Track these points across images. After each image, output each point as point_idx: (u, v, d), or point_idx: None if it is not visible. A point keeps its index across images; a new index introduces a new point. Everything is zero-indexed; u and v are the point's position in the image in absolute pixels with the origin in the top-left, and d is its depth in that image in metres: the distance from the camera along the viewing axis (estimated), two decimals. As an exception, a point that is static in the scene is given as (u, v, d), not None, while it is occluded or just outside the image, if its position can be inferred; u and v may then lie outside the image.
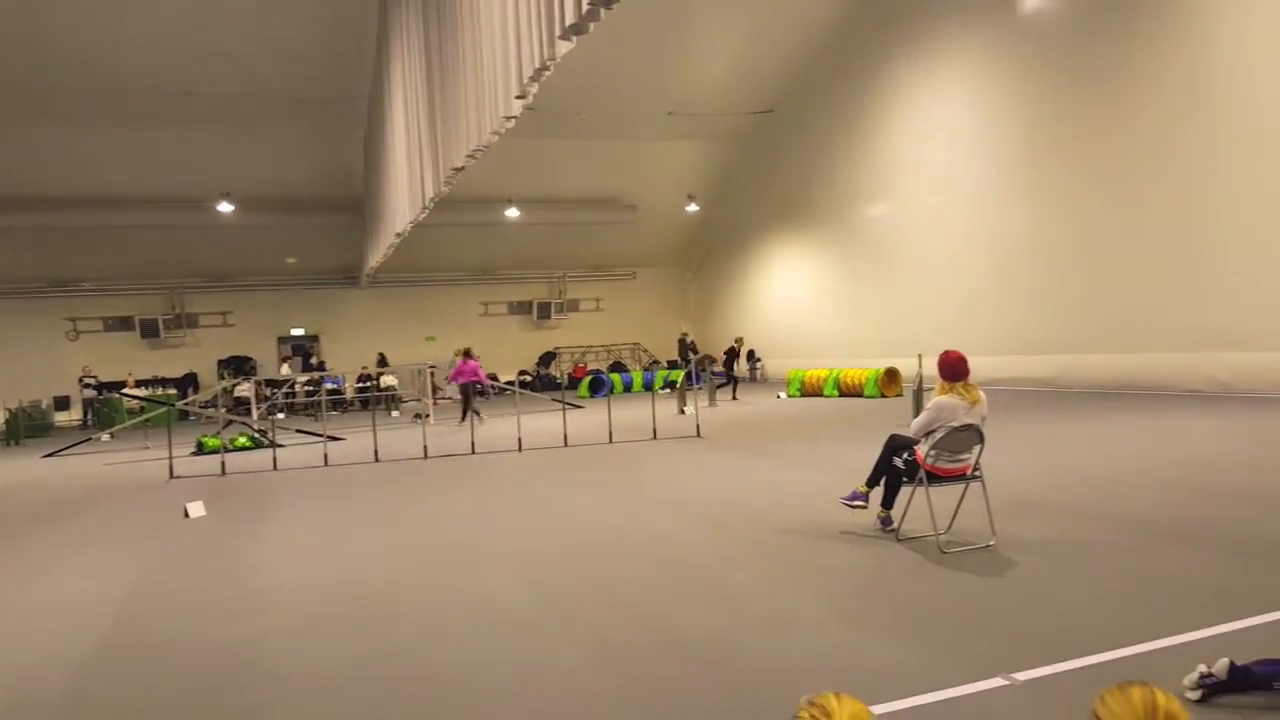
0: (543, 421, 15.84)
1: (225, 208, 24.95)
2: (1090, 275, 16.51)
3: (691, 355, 22.27)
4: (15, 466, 15.51)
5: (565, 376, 29.14)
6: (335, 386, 26.51)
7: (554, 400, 17.45)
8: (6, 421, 21.83)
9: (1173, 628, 4.06)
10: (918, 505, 6.09)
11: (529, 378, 29.71)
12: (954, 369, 6.06)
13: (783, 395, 21.19)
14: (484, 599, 5.44)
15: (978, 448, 6.00)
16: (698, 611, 4.93)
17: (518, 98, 9.45)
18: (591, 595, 5.39)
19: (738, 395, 21.28)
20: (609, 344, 32.69)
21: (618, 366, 31.37)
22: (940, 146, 20.15)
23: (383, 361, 26.90)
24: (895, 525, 6.31)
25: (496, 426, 15.64)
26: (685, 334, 31.22)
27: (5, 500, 11.30)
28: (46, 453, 17.00)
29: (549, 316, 31.95)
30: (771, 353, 27.67)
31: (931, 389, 6.37)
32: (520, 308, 31.98)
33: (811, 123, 24.48)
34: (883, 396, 18.84)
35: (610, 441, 13.15)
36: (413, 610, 5.28)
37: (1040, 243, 17.67)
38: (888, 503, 6.38)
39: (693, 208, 29.20)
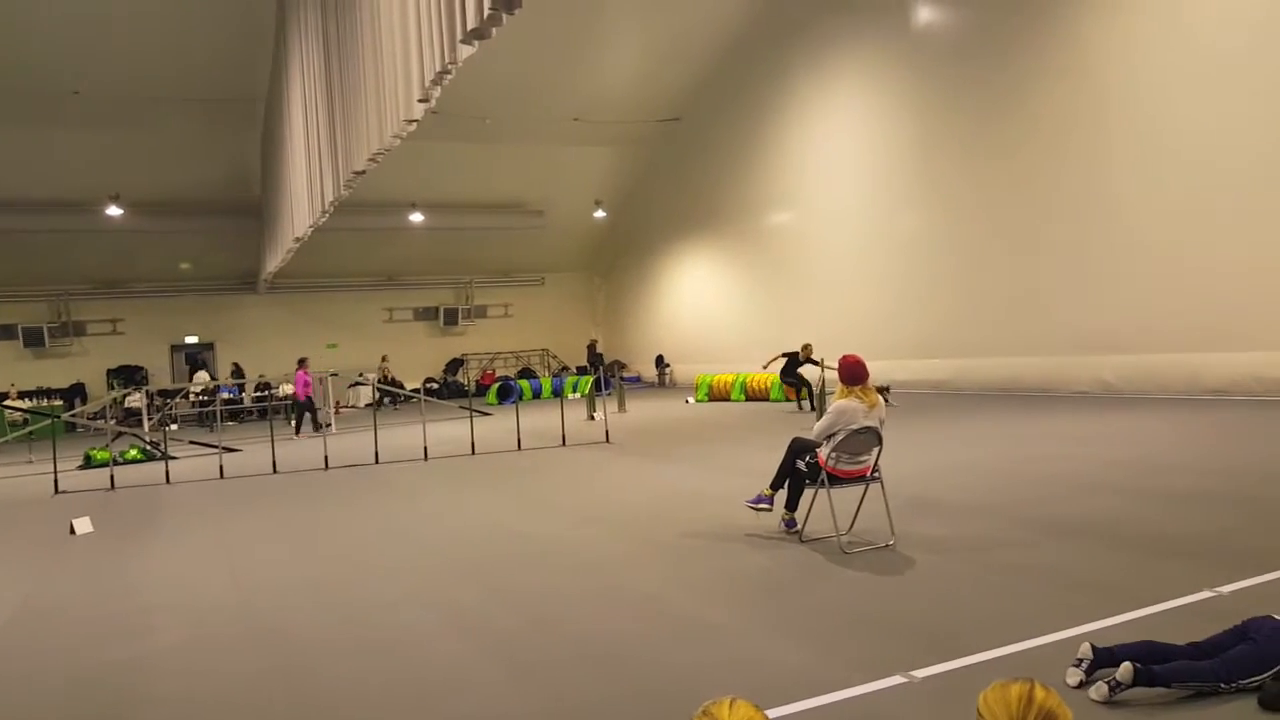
0: (450, 429, 15.60)
1: (114, 211, 23.86)
2: (982, 281, 17.10)
3: (600, 361, 22.11)
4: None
5: (473, 383, 28.80)
6: (231, 396, 25.59)
7: (461, 408, 17.18)
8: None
9: (1062, 622, 4.20)
10: (820, 507, 6.20)
11: (436, 385, 29.24)
12: (853, 373, 6.20)
13: (691, 400, 21.35)
14: (384, 614, 5.32)
15: (876, 449, 6.15)
16: (605, 617, 4.92)
17: (420, 101, 9.29)
18: (498, 604, 5.33)
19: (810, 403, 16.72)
20: (517, 350, 32.45)
21: (526, 373, 31.15)
22: (837, 156, 20.62)
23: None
24: (799, 527, 6.41)
25: (401, 436, 15.32)
26: (595, 340, 31.26)
27: None
28: (-84, 470, 15.99)
29: (456, 323, 31.52)
30: (680, 358, 27.88)
31: (833, 392, 6.51)
32: (426, 313, 31.45)
33: (717, 131, 24.77)
34: (788, 400, 19.13)
35: (519, 448, 13.05)
36: (307, 629, 5.12)
37: (933, 249, 18.23)
38: (791, 505, 6.48)
39: (600, 214, 29.19)
